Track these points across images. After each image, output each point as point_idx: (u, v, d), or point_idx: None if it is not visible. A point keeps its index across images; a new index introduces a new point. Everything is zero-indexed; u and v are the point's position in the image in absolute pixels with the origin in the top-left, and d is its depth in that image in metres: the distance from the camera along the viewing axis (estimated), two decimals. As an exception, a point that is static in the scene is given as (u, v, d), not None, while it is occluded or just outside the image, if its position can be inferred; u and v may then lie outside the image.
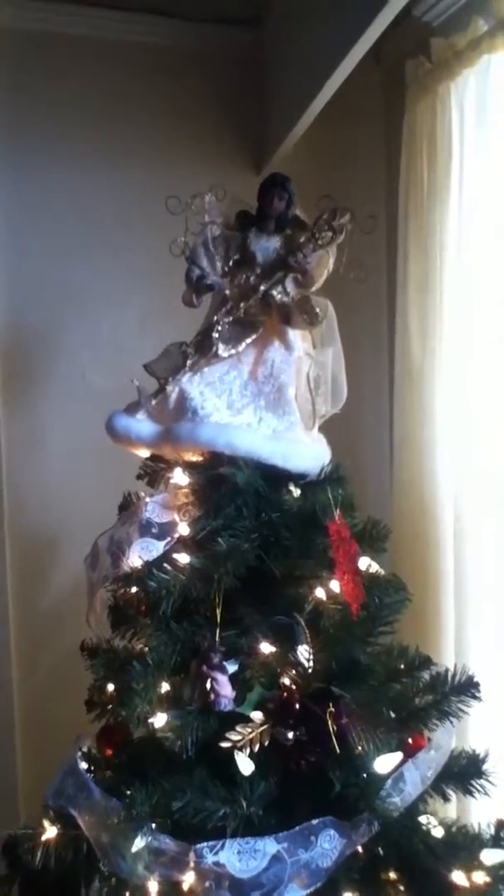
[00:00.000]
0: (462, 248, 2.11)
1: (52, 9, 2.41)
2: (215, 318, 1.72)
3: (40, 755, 1.97)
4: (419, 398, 2.23)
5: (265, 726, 1.52)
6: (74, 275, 2.49)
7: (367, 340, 2.61)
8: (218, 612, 1.57)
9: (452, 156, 2.11)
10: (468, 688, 1.70)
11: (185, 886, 1.46)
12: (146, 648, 1.58)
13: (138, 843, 1.44)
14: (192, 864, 1.42)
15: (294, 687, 1.55)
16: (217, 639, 1.56)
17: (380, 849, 1.59)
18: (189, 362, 1.71)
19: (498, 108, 1.97)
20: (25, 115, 2.45)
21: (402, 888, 1.58)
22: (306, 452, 1.70)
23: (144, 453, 1.78)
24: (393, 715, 1.67)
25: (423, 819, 1.63)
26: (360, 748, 1.54)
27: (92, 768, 1.64)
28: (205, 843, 1.42)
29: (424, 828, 1.62)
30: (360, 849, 1.55)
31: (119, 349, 2.44)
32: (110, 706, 1.66)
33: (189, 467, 1.69)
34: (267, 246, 1.77)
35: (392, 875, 1.59)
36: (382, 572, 1.73)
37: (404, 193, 2.31)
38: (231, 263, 1.74)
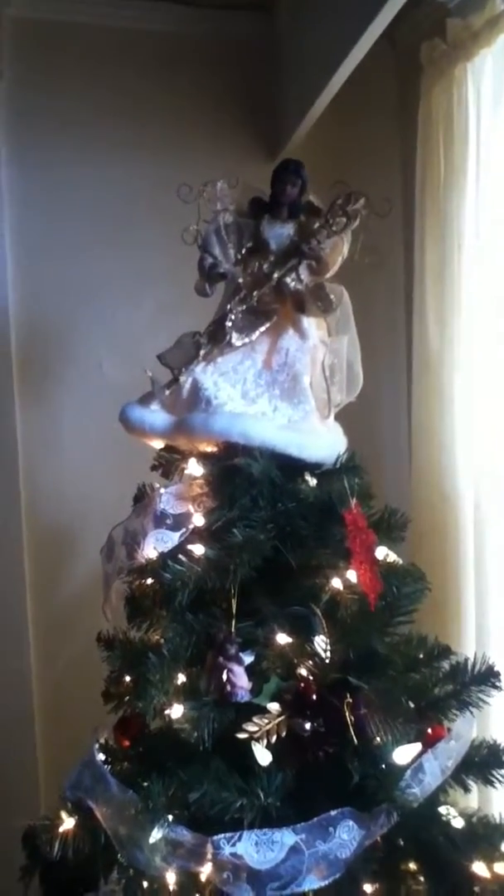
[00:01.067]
0: (480, 233, 2.07)
1: (61, -2, 2.40)
2: (228, 306, 1.71)
3: (60, 746, 1.98)
4: (437, 386, 2.20)
5: (282, 717, 1.51)
6: (89, 267, 2.49)
7: (383, 328, 2.59)
8: (234, 603, 1.56)
9: (469, 139, 2.07)
10: (489, 677, 1.68)
11: (203, 878, 1.46)
12: (162, 640, 1.58)
13: (155, 835, 1.43)
14: (209, 856, 1.42)
15: (311, 678, 1.55)
16: (233, 630, 1.55)
17: (399, 840, 1.58)
18: (202, 352, 1.69)
19: (515, 89, 1.94)
20: (36, 108, 2.44)
21: (421, 879, 1.57)
22: (322, 442, 1.69)
23: (158, 444, 1.77)
24: (412, 705, 1.65)
25: (442, 810, 1.62)
26: (378, 739, 1.53)
27: (109, 760, 1.64)
28: (222, 835, 1.42)
29: (444, 818, 1.61)
30: (379, 840, 1.53)
31: (135, 341, 2.42)
32: (127, 698, 1.65)
33: (203, 458, 1.68)
34: (280, 233, 1.75)
35: (412, 866, 1.58)
36: (400, 561, 1.71)
37: (420, 178, 2.28)
38: (244, 251, 1.72)
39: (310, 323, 1.73)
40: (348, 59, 2.01)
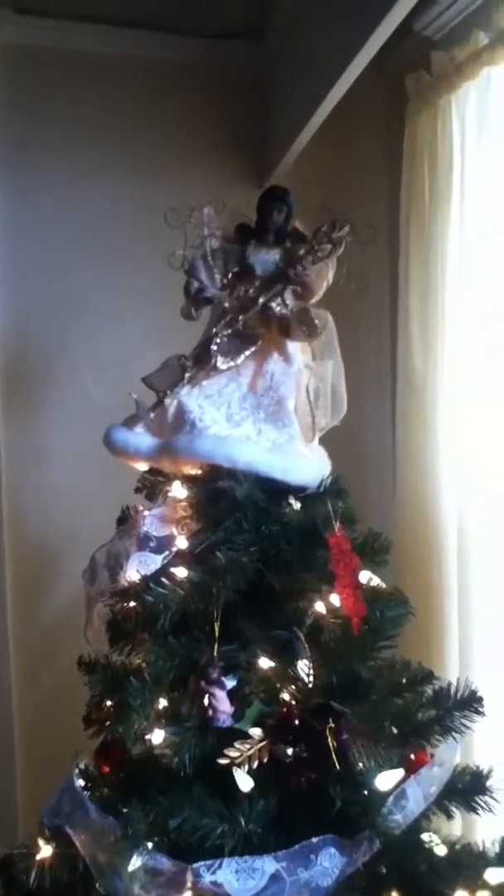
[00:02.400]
0: (463, 259, 2.10)
1: (55, 25, 2.43)
2: (214, 330, 1.72)
3: (40, 770, 1.95)
4: (421, 410, 2.22)
5: (264, 742, 1.50)
6: (77, 289, 2.50)
7: (368, 352, 2.61)
8: (217, 626, 1.55)
9: (453, 167, 2.11)
10: (471, 703, 1.68)
11: (183, 907, 1.44)
12: (144, 664, 1.57)
13: (135, 863, 1.41)
14: (189, 884, 1.40)
15: (294, 702, 1.53)
16: (216, 654, 1.54)
17: (382, 867, 1.57)
18: (187, 375, 1.70)
19: (498, 121, 1.98)
20: (28, 131, 2.47)
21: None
22: (306, 465, 1.69)
23: (143, 466, 1.77)
24: (395, 730, 1.65)
25: (425, 837, 1.61)
26: (361, 764, 1.52)
27: (88, 785, 1.62)
28: (202, 862, 1.40)
29: (427, 846, 1.60)
30: (361, 867, 1.52)
31: (121, 363, 2.44)
32: (108, 723, 1.63)
33: (188, 480, 1.68)
34: (266, 258, 1.77)
35: (394, 894, 1.56)
36: (384, 586, 1.71)
37: (405, 205, 2.32)
38: (230, 276, 1.73)
39: (295, 347, 1.75)
40: (335, 88, 2.04)
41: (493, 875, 1.58)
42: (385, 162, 2.63)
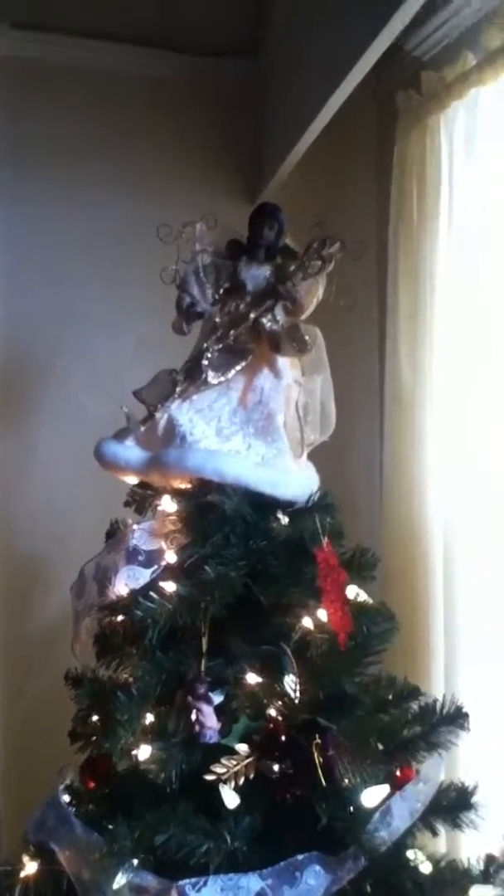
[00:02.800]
0: (452, 276, 2.12)
1: (51, 40, 2.44)
2: (205, 345, 1.72)
3: (24, 786, 1.94)
4: (409, 426, 2.23)
5: (251, 759, 1.50)
6: (70, 301, 2.50)
7: (357, 368, 2.62)
8: (204, 641, 1.56)
9: (441, 185, 2.13)
10: (457, 718, 1.69)
11: (167, 924, 1.43)
12: (131, 678, 1.56)
13: (119, 880, 1.41)
14: (174, 902, 1.39)
15: (280, 718, 1.54)
16: (203, 669, 1.55)
17: (367, 885, 1.56)
18: (178, 389, 1.71)
19: (486, 140, 2.00)
20: (23, 144, 2.48)
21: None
22: (294, 480, 1.70)
23: (133, 480, 1.77)
24: (381, 746, 1.65)
25: (410, 854, 1.61)
26: (346, 781, 1.51)
27: (74, 801, 1.62)
28: (188, 880, 1.39)
29: (412, 863, 1.60)
30: (346, 885, 1.51)
31: (114, 375, 2.42)
32: (94, 737, 1.63)
33: (177, 494, 1.68)
34: (257, 274, 1.78)
35: (380, 912, 1.56)
36: (371, 601, 1.71)
37: (394, 222, 2.34)
38: (221, 291, 1.74)
39: (284, 363, 1.76)
40: (327, 106, 2.06)
41: (478, 893, 1.58)
42: (375, 179, 2.65)
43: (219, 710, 1.53)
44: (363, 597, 1.70)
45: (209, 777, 1.46)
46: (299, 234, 1.80)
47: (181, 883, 1.39)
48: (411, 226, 2.26)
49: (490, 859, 1.64)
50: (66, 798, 1.61)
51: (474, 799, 1.68)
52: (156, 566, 1.61)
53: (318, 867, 1.45)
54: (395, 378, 2.30)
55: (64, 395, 2.51)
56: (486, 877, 1.62)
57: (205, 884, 1.39)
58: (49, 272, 2.49)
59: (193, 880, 1.39)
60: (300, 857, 1.45)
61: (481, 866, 1.63)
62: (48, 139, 2.49)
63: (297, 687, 1.55)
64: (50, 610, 2.42)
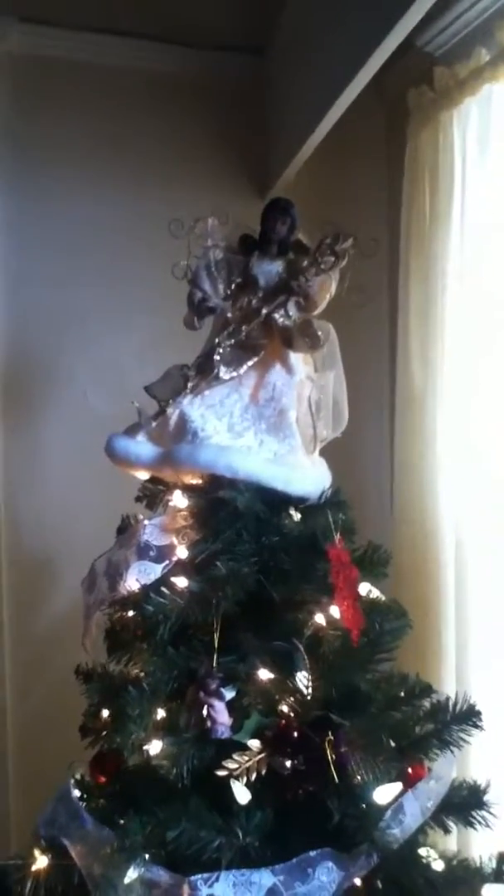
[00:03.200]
0: (464, 274, 2.11)
1: (57, 35, 2.44)
2: (217, 340, 1.72)
3: (34, 782, 1.94)
4: (420, 424, 2.23)
5: (262, 755, 1.49)
6: (77, 299, 2.50)
7: (368, 365, 2.61)
8: (216, 637, 1.55)
9: (454, 183, 2.13)
10: (469, 716, 1.67)
11: (179, 920, 1.43)
12: (142, 674, 1.56)
13: (131, 875, 1.40)
14: (185, 897, 1.39)
15: (292, 714, 1.53)
16: (214, 665, 1.54)
17: (378, 882, 1.55)
18: (190, 385, 1.70)
19: (500, 136, 1.99)
20: (29, 141, 2.48)
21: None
22: (307, 476, 1.69)
23: (144, 475, 1.77)
24: (393, 744, 1.64)
25: (422, 851, 1.60)
26: (359, 778, 1.50)
27: (85, 796, 1.61)
28: (199, 875, 1.39)
29: (424, 861, 1.59)
30: (358, 882, 1.51)
31: (121, 372, 2.44)
32: (104, 733, 1.62)
33: (188, 490, 1.68)
34: (269, 269, 1.77)
35: (391, 910, 1.55)
36: (383, 598, 1.71)
37: (406, 220, 2.33)
38: (233, 287, 1.73)
39: (297, 358, 1.75)
40: (337, 103, 2.06)
41: (490, 891, 1.57)
42: (386, 176, 2.65)
43: (230, 706, 1.53)
44: (375, 593, 1.69)
45: (221, 773, 1.45)
46: (310, 231, 1.79)
47: (193, 878, 1.39)
48: (423, 223, 2.26)
49: (502, 857, 1.62)
50: (76, 793, 1.61)
51: (486, 797, 1.67)
52: (167, 562, 1.60)
53: (330, 863, 1.45)
54: (406, 376, 2.29)
55: (70, 393, 2.51)
56: (497, 875, 1.60)
57: (217, 879, 1.39)
58: (54, 270, 2.49)
59: (205, 875, 1.39)
60: (312, 853, 1.44)
61: (493, 865, 1.62)
62: (53, 135, 2.48)
63: (310, 683, 1.54)
64: (59, 607, 2.42)
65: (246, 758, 1.48)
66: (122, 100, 2.53)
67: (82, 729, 1.69)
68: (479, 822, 1.65)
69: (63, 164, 2.49)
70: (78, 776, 1.66)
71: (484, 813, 1.66)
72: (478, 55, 2.03)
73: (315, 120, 2.15)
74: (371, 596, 1.68)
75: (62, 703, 1.77)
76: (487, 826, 1.65)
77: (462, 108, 2.11)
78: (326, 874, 1.44)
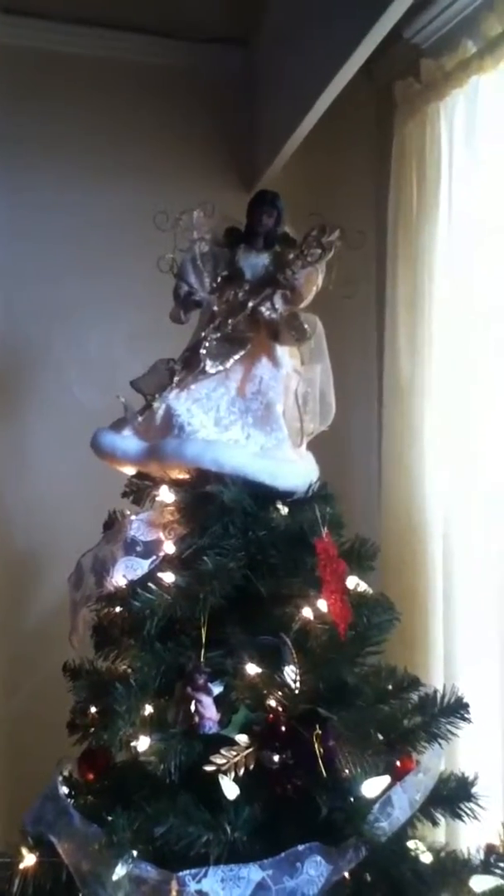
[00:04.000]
0: (451, 266, 2.11)
1: (45, 27, 2.43)
2: (203, 334, 1.71)
3: (22, 779, 1.93)
4: (407, 416, 2.23)
5: (250, 749, 1.49)
6: (64, 292, 2.49)
7: (355, 358, 2.61)
8: (203, 632, 1.54)
9: (441, 174, 2.13)
10: (457, 709, 1.67)
11: (167, 916, 1.42)
12: (129, 670, 1.56)
13: (119, 871, 1.39)
14: (174, 893, 1.38)
15: (280, 709, 1.52)
16: (202, 660, 1.53)
17: (367, 875, 1.55)
18: (176, 379, 1.69)
19: (486, 128, 1.98)
20: (16, 134, 2.45)
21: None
22: (294, 470, 1.69)
23: (130, 471, 1.76)
24: (381, 737, 1.64)
25: (411, 844, 1.60)
26: (347, 771, 1.50)
27: (72, 793, 1.61)
28: (187, 871, 1.38)
29: (412, 853, 1.59)
30: (346, 875, 1.50)
31: (108, 366, 2.42)
32: (92, 729, 1.61)
33: (175, 485, 1.67)
34: (255, 262, 1.76)
35: (380, 901, 1.56)
36: (371, 591, 1.71)
37: (393, 211, 2.33)
38: (219, 280, 1.73)
39: (283, 352, 1.74)
40: (324, 94, 2.05)
41: (478, 883, 1.57)
42: (373, 168, 2.63)
43: (218, 701, 1.53)
44: (363, 587, 1.69)
45: (209, 768, 1.45)
46: (296, 223, 1.78)
47: (181, 874, 1.38)
48: (410, 215, 2.26)
49: (490, 849, 1.63)
50: (64, 790, 1.60)
51: (474, 789, 1.67)
52: (154, 557, 1.60)
53: (318, 857, 1.44)
54: (394, 369, 2.29)
55: (57, 387, 2.49)
56: (486, 867, 1.61)
57: (205, 875, 1.38)
58: (41, 263, 2.48)
59: (193, 871, 1.38)
60: (300, 847, 1.44)
61: (481, 856, 1.62)
62: (39, 128, 2.47)
63: (298, 677, 1.54)
64: (46, 603, 2.41)
65: (234, 753, 1.48)
66: (105, 92, 2.51)
67: (70, 725, 1.68)
68: (468, 814, 1.66)
69: (47, 157, 2.47)
70: (66, 773, 1.65)
71: (472, 805, 1.66)
72: (464, 47, 2.03)
73: (302, 112, 2.14)
74: (359, 589, 1.68)
75: (50, 699, 1.76)
76: (475, 818, 1.65)
77: (449, 100, 2.11)
78: (315, 868, 1.44)
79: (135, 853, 1.42)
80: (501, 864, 1.62)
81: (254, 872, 1.40)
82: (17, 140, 2.45)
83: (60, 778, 1.63)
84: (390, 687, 1.72)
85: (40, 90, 2.47)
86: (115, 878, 1.40)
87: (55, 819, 1.55)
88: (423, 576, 2.10)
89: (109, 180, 2.49)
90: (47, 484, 2.46)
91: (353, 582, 1.66)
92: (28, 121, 2.46)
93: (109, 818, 1.46)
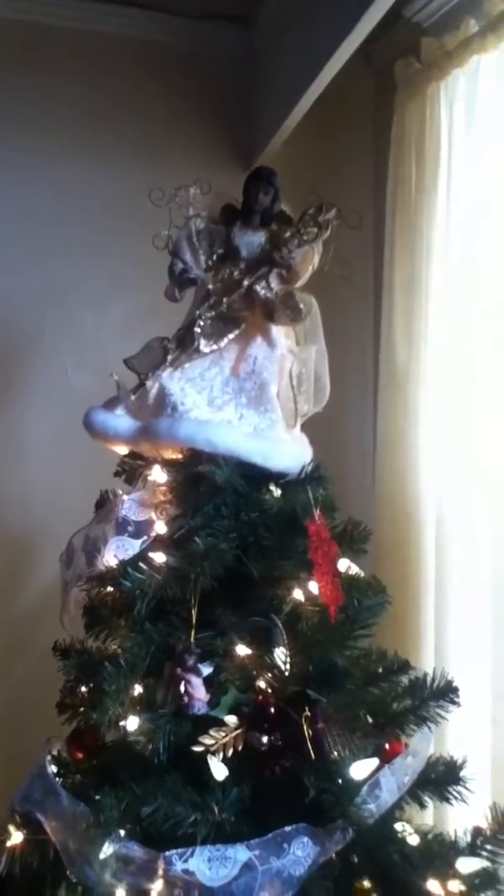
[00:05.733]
0: (449, 248, 2.09)
1: (41, 0, 2.37)
2: (197, 312, 1.69)
3: (12, 758, 1.92)
4: (403, 400, 2.21)
5: (239, 730, 1.49)
6: (58, 273, 2.46)
7: (351, 340, 2.58)
8: (194, 613, 1.54)
9: (440, 156, 2.10)
10: (447, 693, 1.67)
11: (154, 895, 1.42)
12: (120, 650, 1.55)
13: (106, 850, 1.40)
14: (160, 872, 1.39)
15: (270, 690, 1.52)
16: (192, 640, 1.53)
17: (354, 857, 1.56)
18: (170, 357, 1.68)
19: (487, 108, 1.96)
20: (9, 109, 2.41)
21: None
22: (287, 451, 1.68)
23: (123, 450, 1.74)
24: (370, 720, 1.64)
25: (398, 826, 1.60)
26: (335, 753, 1.51)
27: (61, 772, 1.60)
28: (174, 851, 1.39)
29: (400, 835, 1.59)
30: (333, 856, 1.51)
31: (102, 347, 2.39)
32: (82, 709, 1.61)
33: (168, 465, 1.66)
34: (251, 240, 1.75)
35: (366, 884, 1.56)
36: (362, 574, 1.70)
37: (392, 193, 2.30)
38: (215, 258, 1.71)
39: (279, 332, 1.73)
40: (323, 73, 2.03)
41: (465, 865, 1.58)
42: (372, 149, 2.60)
43: (208, 682, 1.52)
44: (354, 570, 1.68)
45: (197, 748, 1.45)
46: (294, 202, 1.76)
47: (168, 854, 1.38)
48: (409, 196, 2.23)
49: (477, 832, 1.63)
50: (52, 769, 1.60)
51: (462, 772, 1.67)
52: (145, 537, 1.59)
53: (305, 838, 1.45)
54: (390, 351, 2.27)
55: (51, 369, 2.47)
56: (472, 849, 1.61)
57: (191, 854, 1.38)
58: (33, 243, 2.44)
59: (180, 851, 1.39)
60: (288, 828, 1.44)
61: (468, 839, 1.63)
62: (33, 105, 2.42)
63: (288, 659, 1.53)
64: (36, 586, 2.39)
65: (223, 733, 1.48)
66: (106, 68, 2.47)
67: (59, 705, 1.68)
68: (455, 797, 1.66)
69: (44, 134, 2.43)
70: (55, 752, 1.65)
71: (460, 788, 1.66)
72: (466, 26, 2.00)
73: (301, 90, 2.12)
74: (350, 572, 1.67)
75: (42, 679, 1.75)
76: (463, 801, 1.66)
77: (449, 80, 2.08)
78: (302, 849, 1.45)
79: (122, 833, 1.43)
80: (488, 847, 1.62)
81: (240, 853, 1.40)
82: (8, 116, 2.40)
83: (49, 757, 1.63)
84: (380, 670, 1.72)
85: (34, 65, 2.42)
86: (101, 856, 1.40)
87: (43, 797, 1.55)
88: (416, 560, 2.09)
89: (104, 158, 2.45)
90: (42, 464, 2.44)
91: (344, 564, 1.66)
92: (20, 96, 2.41)
93: (97, 797, 1.46)
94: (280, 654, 1.53)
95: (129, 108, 2.49)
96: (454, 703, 1.67)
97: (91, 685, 1.58)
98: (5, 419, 2.45)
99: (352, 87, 2.36)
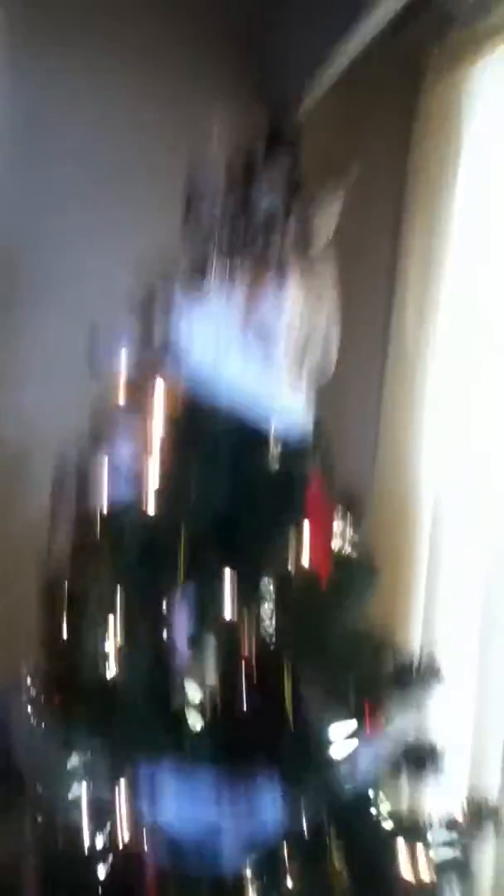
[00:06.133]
0: (467, 236, 2.08)
1: None
2: (208, 262, 1.66)
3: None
4: (410, 382, 2.20)
5: (220, 691, 1.46)
6: (65, 221, 2.35)
7: (362, 312, 2.44)
8: (181, 564, 1.50)
9: (464, 141, 2.10)
10: (431, 673, 1.66)
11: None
12: (104, 592, 1.51)
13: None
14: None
15: (253, 654, 1.49)
16: (178, 591, 1.49)
17: (327, 835, 1.52)
18: (177, 302, 1.65)
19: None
20: (26, 42, 2.28)
21: (346, 876, 1.51)
22: (290, 410, 1.65)
23: (122, 392, 1.71)
24: (353, 694, 1.60)
25: (373, 805, 1.57)
26: (315, 726, 1.48)
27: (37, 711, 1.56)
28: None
29: (374, 818, 1.57)
30: (306, 833, 1.48)
31: (113, 283, 2.31)
32: (62, 651, 1.57)
33: (167, 410, 1.62)
34: (269, 200, 1.72)
35: (337, 863, 1.52)
36: (357, 539, 1.67)
37: (413, 173, 2.30)
38: (231, 210, 1.68)
39: (289, 291, 1.70)
40: (350, 44, 1.99)
41: (437, 853, 1.56)
42: (396, 130, 2.57)
43: (192, 640, 1.49)
44: (349, 533, 1.66)
45: (176, 700, 1.43)
46: (312, 168, 1.73)
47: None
48: (433, 179, 2.22)
49: (452, 815, 1.61)
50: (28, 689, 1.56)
51: (440, 755, 1.66)
52: (138, 480, 1.55)
53: (278, 805, 1.42)
54: (401, 327, 2.26)
55: (58, 295, 2.36)
56: (447, 832, 1.59)
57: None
58: (43, 190, 2.34)
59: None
60: (261, 790, 1.41)
61: (443, 822, 1.61)
62: (52, 37, 2.31)
63: (273, 623, 1.51)
64: (23, 523, 2.29)
65: (202, 692, 1.45)
66: (137, 4, 2.37)
67: (40, 644, 1.63)
68: (433, 779, 1.64)
69: (65, 70, 2.32)
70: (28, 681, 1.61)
71: (438, 770, 1.64)
72: (498, 13, 1.99)
73: (327, 60, 2.09)
74: (346, 535, 1.64)
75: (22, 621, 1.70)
76: (440, 783, 1.63)
77: (479, 66, 2.08)
78: (273, 814, 1.41)
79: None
80: (460, 836, 1.60)
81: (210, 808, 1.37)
82: (26, 56, 2.29)
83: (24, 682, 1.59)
84: (366, 646, 1.69)
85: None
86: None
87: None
88: (411, 538, 2.08)
89: (129, 103, 2.35)
90: (34, 398, 2.34)
91: (339, 527, 1.63)
92: (39, 28, 2.29)
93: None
94: (266, 616, 1.50)
95: (147, 51, 2.37)
96: (438, 682, 1.65)
97: (72, 627, 1.54)
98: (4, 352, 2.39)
99: (378, 70, 2.34)
